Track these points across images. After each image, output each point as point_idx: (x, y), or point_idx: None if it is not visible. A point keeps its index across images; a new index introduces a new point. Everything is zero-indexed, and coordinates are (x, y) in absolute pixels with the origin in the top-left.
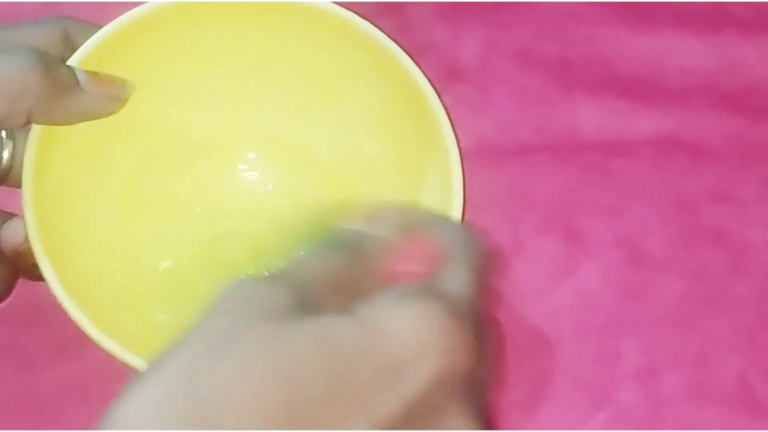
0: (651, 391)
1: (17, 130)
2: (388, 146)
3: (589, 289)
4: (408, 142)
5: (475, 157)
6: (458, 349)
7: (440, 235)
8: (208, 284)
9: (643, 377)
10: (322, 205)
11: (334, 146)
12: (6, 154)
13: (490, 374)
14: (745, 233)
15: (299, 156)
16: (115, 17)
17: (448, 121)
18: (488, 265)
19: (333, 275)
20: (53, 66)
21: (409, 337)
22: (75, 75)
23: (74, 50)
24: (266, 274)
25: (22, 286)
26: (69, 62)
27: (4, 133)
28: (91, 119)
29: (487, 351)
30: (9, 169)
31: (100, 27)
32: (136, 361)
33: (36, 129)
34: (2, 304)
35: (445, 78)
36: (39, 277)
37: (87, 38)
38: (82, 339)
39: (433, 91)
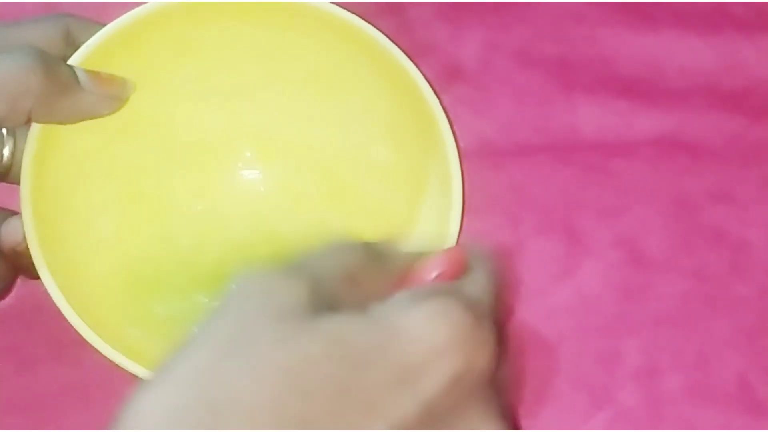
0: (651, 391)
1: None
2: (389, 146)
3: (589, 289)
4: (408, 142)
5: (475, 157)
6: (476, 348)
7: (461, 248)
8: (207, 284)
9: (643, 377)
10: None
11: (334, 146)
12: (6, 152)
13: (510, 376)
14: (745, 233)
15: (299, 155)
16: (116, 15)
17: (447, 123)
18: (504, 282)
19: (349, 271)
20: (54, 65)
21: (425, 336)
22: (75, 74)
23: (75, 48)
24: (280, 264)
25: (22, 286)
26: (70, 61)
27: (4, 131)
28: (91, 118)
29: (506, 353)
30: (9, 167)
31: (102, 25)
32: (133, 367)
33: (35, 128)
34: (2, 304)
35: (445, 78)
36: (38, 276)
37: (88, 36)
38: (81, 339)
39: (433, 93)
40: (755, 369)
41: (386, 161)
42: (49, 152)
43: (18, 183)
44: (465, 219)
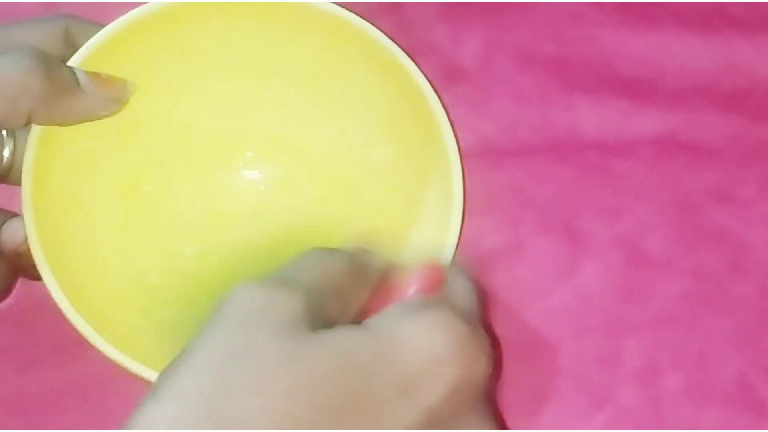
0: (651, 391)
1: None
2: (389, 147)
3: (589, 289)
4: (409, 142)
5: (475, 157)
6: (474, 356)
7: (438, 263)
8: (208, 285)
9: (643, 377)
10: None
11: (334, 146)
12: (7, 152)
13: (491, 379)
14: (745, 233)
15: (300, 156)
16: (115, 15)
17: (448, 123)
18: (482, 294)
19: (334, 280)
20: (54, 67)
21: (425, 347)
22: (75, 76)
23: (75, 49)
24: (270, 277)
25: (22, 286)
26: (70, 62)
27: (4, 132)
28: (91, 120)
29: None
30: (10, 168)
31: (101, 25)
32: (136, 367)
33: (36, 129)
34: (2, 304)
35: (445, 78)
36: (39, 276)
37: (88, 37)
38: (82, 340)
39: (434, 93)
40: (755, 369)
41: (387, 161)
42: (49, 153)
43: (18, 184)
44: (465, 219)
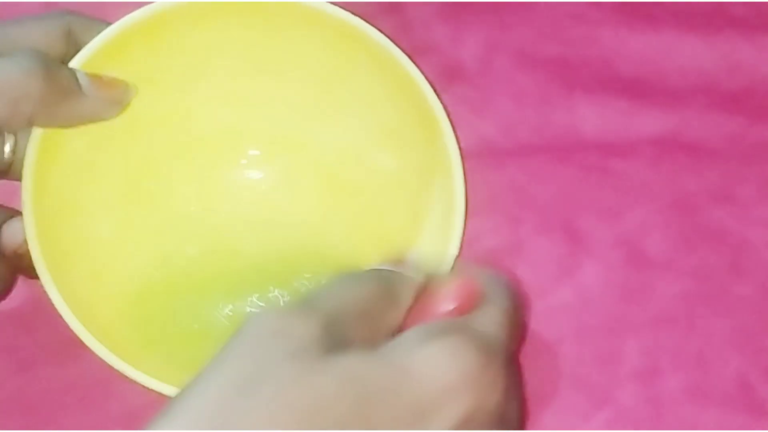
0: (651, 391)
1: None
2: (391, 149)
3: (590, 289)
4: (410, 145)
5: (475, 157)
6: (486, 388)
7: (476, 278)
8: (208, 285)
9: (643, 377)
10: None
11: (335, 148)
12: (7, 148)
13: (520, 413)
14: (745, 233)
15: (301, 157)
16: (115, 14)
17: (449, 124)
18: (519, 310)
19: (361, 305)
20: (55, 69)
21: (436, 376)
22: (76, 78)
23: (77, 46)
24: (293, 301)
25: (22, 286)
26: (71, 63)
27: None
28: (92, 122)
29: (517, 390)
30: (10, 164)
31: (103, 22)
32: (130, 371)
33: (37, 131)
34: (2, 304)
35: (445, 78)
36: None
37: (90, 34)
38: (81, 340)
39: (435, 96)
40: (755, 369)
41: (389, 164)
42: (50, 153)
43: (19, 179)
44: (466, 219)
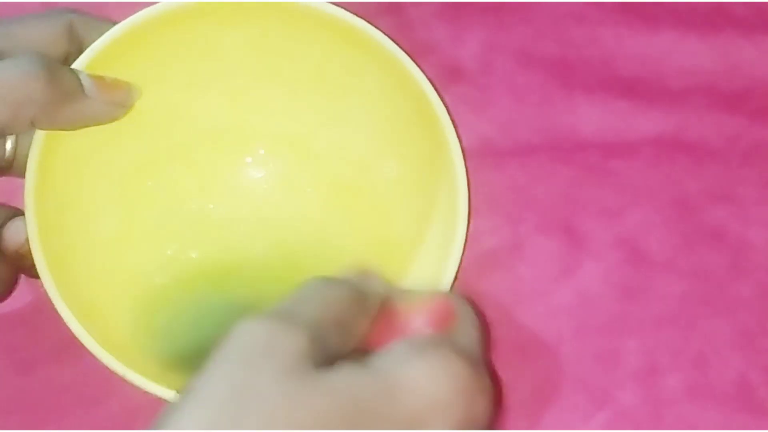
0: (651, 391)
1: None
2: (393, 151)
3: (589, 289)
4: (413, 147)
5: (475, 157)
6: (476, 397)
7: (448, 298)
8: (208, 286)
9: (643, 377)
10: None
11: (339, 148)
12: (9, 145)
13: (492, 418)
14: (745, 233)
15: (303, 157)
16: (115, 13)
17: (453, 128)
18: (487, 334)
19: (336, 311)
20: (57, 72)
21: (428, 389)
22: (79, 81)
23: (79, 45)
24: (275, 310)
25: (22, 286)
26: (75, 64)
27: None
28: (95, 125)
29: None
30: (12, 161)
31: (106, 20)
32: (129, 374)
33: (40, 133)
34: (3, 305)
35: (446, 78)
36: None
37: (92, 32)
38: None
39: (438, 98)
40: (755, 369)
41: (391, 166)
42: (52, 153)
43: (21, 176)
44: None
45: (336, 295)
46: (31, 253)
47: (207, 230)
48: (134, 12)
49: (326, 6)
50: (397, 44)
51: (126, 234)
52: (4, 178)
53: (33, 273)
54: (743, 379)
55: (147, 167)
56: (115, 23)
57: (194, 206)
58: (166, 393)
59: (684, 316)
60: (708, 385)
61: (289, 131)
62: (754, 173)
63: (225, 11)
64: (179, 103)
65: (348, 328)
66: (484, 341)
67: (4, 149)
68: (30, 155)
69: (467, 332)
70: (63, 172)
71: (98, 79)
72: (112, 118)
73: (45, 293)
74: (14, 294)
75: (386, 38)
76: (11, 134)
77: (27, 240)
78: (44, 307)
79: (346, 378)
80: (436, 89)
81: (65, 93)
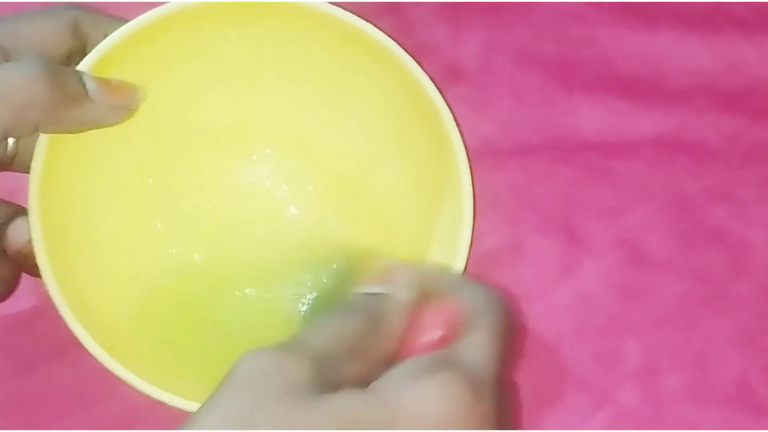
0: (651, 391)
1: None
2: (396, 150)
3: (589, 289)
4: (416, 147)
5: (475, 157)
6: (478, 422)
7: (460, 299)
8: (209, 286)
9: (643, 377)
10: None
11: (341, 147)
12: (11, 141)
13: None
14: (745, 233)
15: (305, 158)
16: (117, 9)
17: (456, 128)
18: (510, 327)
19: (351, 341)
20: (62, 75)
21: (428, 415)
22: (83, 83)
23: (83, 41)
24: (284, 341)
25: (22, 287)
26: (79, 66)
27: None
28: (99, 128)
29: (506, 417)
30: (14, 156)
31: (110, 16)
32: (128, 376)
33: (44, 136)
34: (3, 305)
35: (446, 78)
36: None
37: (96, 28)
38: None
39: (441, 98)
40: (755, 369)
41: (395, 165)
42: (56, 154)
43: (23, 171)
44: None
45: (349, 326)
46: (33, 253)
47: (208, 230)
48: (135, 7)
49: (327, 6)
50: (398, 44)
51: (128, 234)
52: (5, 174)
53: (35, 272)
54: (743, 379)
55: (149, 167)
56: (118, 19)
57: (195, 206)
58: (166, 395)
59: (684, 316)
60: (708, 385)
61: (290, 131)
62: (754, 173)
63: (227, 12)
64: (181, 103)
65: (365, 355)
66: (502, 347)
67: (6, 144)
68: (34, 158)
69: (480, 343)
70: (66, 174)
71: (103, 82)
72: (117, 122)
73: (44, 293)
74: (15, 295)
75: (388, 38)
76: (15, 137)
77: (30, 241)
78: (44, 308)
79: (344, 403)
80: (438, 89)
81: (69, 96)
